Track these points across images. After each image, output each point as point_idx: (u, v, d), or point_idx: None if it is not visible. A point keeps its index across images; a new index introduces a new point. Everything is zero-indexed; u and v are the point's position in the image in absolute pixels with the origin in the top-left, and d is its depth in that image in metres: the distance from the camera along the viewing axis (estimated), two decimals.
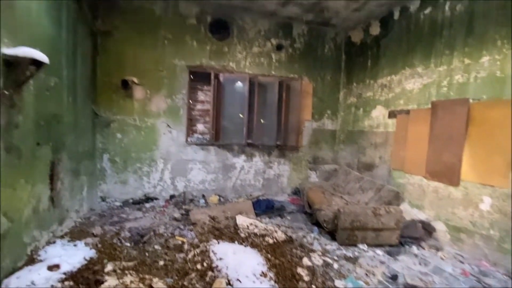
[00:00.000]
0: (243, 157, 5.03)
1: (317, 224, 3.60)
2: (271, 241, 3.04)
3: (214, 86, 4.65)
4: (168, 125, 4.57)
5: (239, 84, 4.86)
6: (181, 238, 2.95)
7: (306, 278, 2.33)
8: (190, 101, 4.73)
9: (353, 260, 2.77)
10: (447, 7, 3.37)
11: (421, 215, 3.62)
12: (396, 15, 4.14)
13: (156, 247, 2.77)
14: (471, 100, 3.04)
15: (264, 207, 4.11)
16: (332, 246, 3.09)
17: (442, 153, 3.34)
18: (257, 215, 3.94)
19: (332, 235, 3.27)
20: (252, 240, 3.00)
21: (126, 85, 4.22)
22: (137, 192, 4.50)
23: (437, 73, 3.47)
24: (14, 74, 2.07)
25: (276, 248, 2.89)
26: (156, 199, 4.47)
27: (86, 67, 3.73)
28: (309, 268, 2.52)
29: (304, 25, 5.09)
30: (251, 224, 3.37)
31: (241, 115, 4.83)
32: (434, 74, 3.51)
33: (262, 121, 4.99)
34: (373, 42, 4.64)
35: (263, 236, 3.11)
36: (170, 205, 4.20)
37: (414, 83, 3.80)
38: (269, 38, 4.98)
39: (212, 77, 4.63)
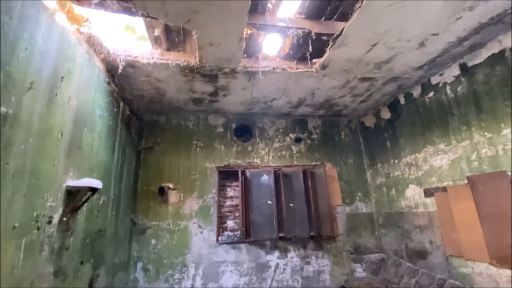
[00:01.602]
0: (276, 253, 4.72)
1: None
2: None
3: (241, 182, 4.89)
4: (199, 226, 4.63)
5: (264, 177, 5.08)
6: None
7: None
8: (220, 198, 4.92)
9: None
10: (448, 90, 3.66)
11: None
12: (402, 101, 4.50)
13: None
14: (509, 173, 2.89)
15: None
16: None
17: (499, 233, 2.94)
18: None
19: None
20: None
21: (162, 192, 4.59)
22: None
23: (462, 148, 3.45)
24: (73, 201, 2.41)
25: None
26: None
27: (130, 180, 4.22)
28: None
29: (318, 118, 5.62)
30: None
31: (269, 203, 4.82)
32: (459, 150, 3.49)
33: (291, 205, 4.90)
34: (387, 124, 4.90)
35: None
36: None
37: (441, 160, 3.75)
38: (288, 133, 5.48)
39: (239, 174, 4.93)
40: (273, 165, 5.21)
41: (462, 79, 3.46)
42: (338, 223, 5.07)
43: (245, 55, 3.44)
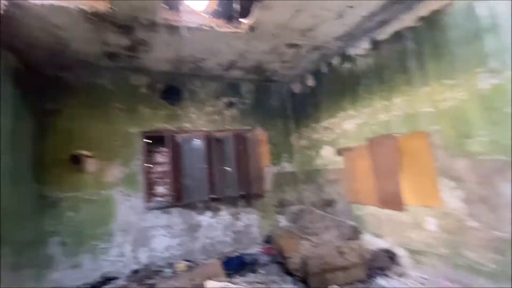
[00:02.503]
0: (208, 213, 4.93)
1: (289, 272, 3.56)
2: None
3: (171, 147, 4.73)
4: (125, 194, 4.40)
5: (196, 142, 5.01)
6: None
7: None
8: (148, 165, 4.70)
9: None
10: (359, 62, 4.10)
11: (383, 244, 3.80)
12: (324, 69, 4.88)
13: None
14: (396, 135, 3.57)
15: (235, 265, 3.96)
16: None
17: (385, 183, 3.72)
18: (228, 275, 3.77)
19: (305, 282, 3.24)
20: None
21: (76, 160, 4.09)
22: (94, 274, 4.03)
23: (365, 114, 4.04)
24: None
25: None
26: (116, 278, 4.04)
27: (29, 148, 3.59)
28: None
29: (250, 83, 5.65)
30: None
31: (201, 170, 4.87)
32: (363, 115, 4.08)
33: (223, 168, 5.07)
34: (311, 91, 5.30)
35: None
36: (132, 282, 3.82)
37: (350, 124, 4.34)
38: (220, 97, 5.39)
39: (167, 139, 4.73)
40: (205, 129, 5.15)
41: (371, 52, 3.91)
42: (266, 182, 5.53)
43: (167, 7, 3.07)
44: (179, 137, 4.87)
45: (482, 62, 2.67)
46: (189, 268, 4.23)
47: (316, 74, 5.10)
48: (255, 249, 4.92)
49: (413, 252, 3.41)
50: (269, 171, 5.60)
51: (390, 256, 3.58)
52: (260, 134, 5.59)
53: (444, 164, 3.02)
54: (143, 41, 3.65)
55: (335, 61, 4.59)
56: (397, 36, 3.51)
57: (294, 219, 5.37)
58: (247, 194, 5.21)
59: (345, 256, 3.13)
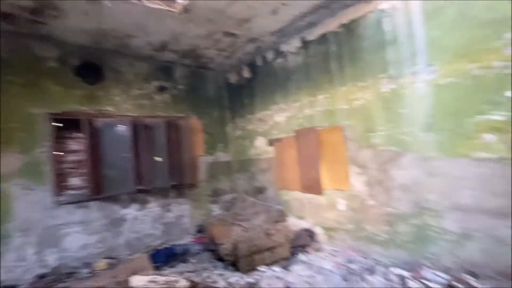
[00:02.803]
0: (135, 206, 4.58)
1: (221, 258, 3.65)
2: None
3: (88, 133, 4.15)
4: (26, 187, 3.68)
5: (120, 127, 4.53)
6: None
7: None
8: (58, 153, 4.02)
9: (254, 284, 2.95)
10: (290, 59, 4.39)
11: (304, 224, 4.27)
12: (259, 62, 5.04)
13: None
14: (318, 128, 4.00)
15: (165, 257, 3.83)
16: (235, 277, 3.19)
17: (308, 171, 4.15)
18: (158, 268, 3.63)
19: (235, 266, 3.39)
20: None
21: None
22: None
23: (294, 108, 4.38)
24: None
25: None
26: (14, 286, 3.39)
27: None
28: None
29: (185, 68, 5.38)
30: (149, 281, 3.06)
31: (127, 159, 4.45)
32: (292, 109, 4.42)
33: (157, 158, 4.76)
34: (247, 83, 5.41)
35: None
36: None
37: (281, 117, 4.64)
38: (150, 80, 4.97)
39: (84, 123, 4.13)
40: (132, 114, 4.69)
41: (301, 50, 4.23)
42: (200, 172, 5.45)
43: None
44: (99, 122, 4.31)
45: (384, 69, 3.21)
46: (111, 266, 3.87)
47: (252, 66, 5.23)
48: (186, 240, 4.84)
49: (327, 229, 3.94)
50: (204, 160, 5.54)
51: (310, 235, 4.06)
52: (194, 122, 5.44)
53: (354, 154, 3.56)
54: (52, 5, 3.05)
55: (270, 55, 4.79)
56: (323, 38, 3.89)
57: (228, 207, 5.48)
58: (179, 185, 5.03)
59: (272, 238, 3.40)
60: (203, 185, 5.47)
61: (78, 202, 4.05)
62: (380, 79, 3.26)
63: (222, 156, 5.86)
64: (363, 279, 2.81)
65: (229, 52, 4.77)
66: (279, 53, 4.61)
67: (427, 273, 2.71)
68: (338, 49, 3.71)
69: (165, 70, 5.16)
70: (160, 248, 4.30)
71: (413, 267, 2.88)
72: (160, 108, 5.06)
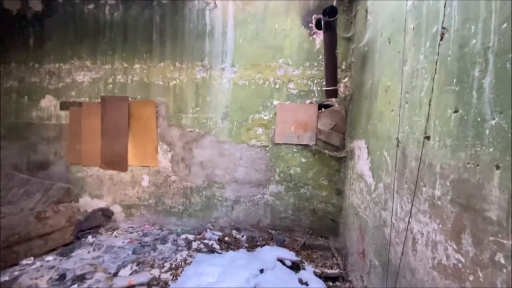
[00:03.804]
0: None
1: None
2: None
3: None
4: None
5: None
6: None
7: None
8: None
9: (9, 283, 2.26)
10: (107, 11, 3.70)
11: (101, 203, 3.83)
12: None
13: None
14: (130, 99, 3.68)
15: None
16: None
17: (113, 145, 3.74)
18: None
19: None
20: None
21: None
22: None
23: (104, 70, 3.75)
24: None
25: None
26: None
27: None
28: None
29: None
30: None
31: None
32: (101, 71, 3.76)
33: None
34: (34, 19, 3.92)
35: None
36: None
37: (84, 76, 3.81)
38: None
39: None
40: None
41: (120, 6, 3.67)
42: None
43: None
44: None
45: (201, 58, 3.51)
46: None
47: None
48: None
49: (127, 207, 3.78)
50: None
51: (106, 214, 3.70)
52: None
53: (163, 131, 3.63)
54: None
55: None
56: (147, 3, 3.59)
57: None
58: None
59: (48, 222, 2.74)
60: None
61: None
62: (196, 65, 3.53)
63: None
64: (154, 249, 2.97)
65: None
66: None
67: (208, 234, 3.33)
68: (161, 21, 3.58)
69: None
70: None
71: (200, 231, 3.43)
72: None
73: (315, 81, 3.27)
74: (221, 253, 2.89)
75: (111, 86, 3.74)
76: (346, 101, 3.17)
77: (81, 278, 2.36)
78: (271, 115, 3.38)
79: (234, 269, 2.50)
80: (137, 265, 2.60)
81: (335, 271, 2.57)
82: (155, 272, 2.48)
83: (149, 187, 3.71)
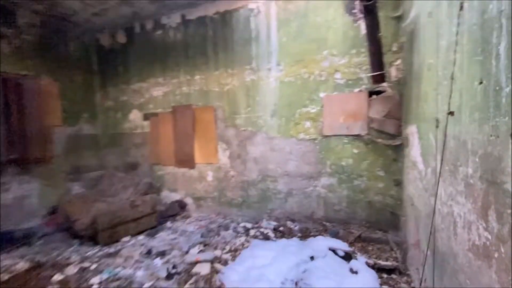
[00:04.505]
0: None
1: (77, 236, 3.40)
2: (6, 277, 2.49)
3: None
4: None
5: None
6: None
7: None
8: None
9: (114, 254, 2.99)
10: (171, 33, 4.38)
11: (177, 196, 4.55)
12: (137, 30, 4.70)
13: None
14: (194, 106, 4.26)
15: None
16: (94, 250, 3.10)
17: (183, 146, 4.39)
18: None
19: (94, 240, 3.26)
20: None
21: None
22: None
23: (172, 84, 4.45)
24: None
25: (15, 281, 2.43)
26: None
27: None
28: (61, 282, 2.41)
29: (35, 14, 4.30)
30: None
31: None
32: (170, 85, 4.47)
33: None
34: (122, 49, 4.93)
35: None
36: None
37: (158, 91, 4.60)
38: None
39: None
40: None
41: (181, 27, 4.29)
42: (55, 145, 4.63)
43: None
44: None
45: (249, 62, 3.81)
46: None
47: (129, 32, 4.80)
48: (33, 223, 4.11)
49: (197, 199, 4.38)
50: (61, 132, 4.73)
51: (181, 205, 4.38)
52: (47, 84, 4.50)
53: (221, 132, 4.07)
54: None
55: (149, 25, 4.56)
56: (202, 21, 4.10)
57: (93, 185, 4.98)
58: (21, 159, 4.13)
59: (138, 209, 3.47)
60: (59, 161, 4.70)
61: None
62: (245, 69, 3.84)
63: (87, 129, 5.18)
64: (218, 234, 3.40)
65: (98, 10, 4.19)
66: (159, 25, 4.47)
67: (264, 223, 3.59)
68: (214, 35, 4.03)
69: (2, 12, 3.95)
70: None
71: (257, 221, 3.73)
72: None
73: (364, 68, 3.15)
74: (275, 241, 3.10)
75: (178, 96, 4.41)
76: (399, 85, 2.96)
77: (162, 253, 2.93)
78: (318, 108, 3.42)
79: (285, 254, 2.68)
80: (204, 246, 3.05)
81: (390, 263, 2.46)
82: (218, 252, 2.87)
83: (213, 181, 4.21)
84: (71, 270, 2.63)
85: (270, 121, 3.71)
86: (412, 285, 2.18)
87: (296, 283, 2.27)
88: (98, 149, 5.35)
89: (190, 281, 2.34)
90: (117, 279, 2.45)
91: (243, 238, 3.21)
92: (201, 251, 2.93)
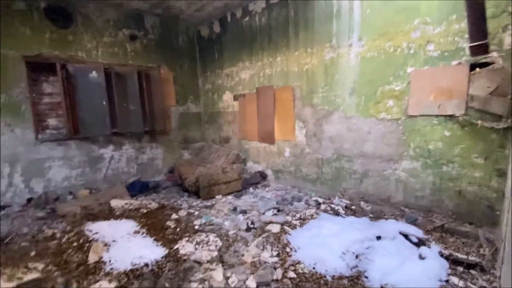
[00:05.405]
0: (111, 146, 5.14)
1: (186, 190, 4.48)
2: (145, 211, 3.67)
3: (61, 77, 4.42)
4: (7, 124, 4.07)
5: (93, 74, 4.80)
6: (51, 230, 3.10)
7: (173, 226, 3.18)
8: (34, 94, 4.32)
9: (210, 207, 3.85)
10: (257, 19, 4.73)
11: (259, 168, 5.17)
12: (229, 19, 5.28)
13: (24, 244, 2.84)
14: (275, 87, 4.60)
15: (139, 188, 4.59)
16: (197, 202, 4.07)
17: (265, 124, 4.87)
18: (132, 196, 4.40)
19: (197, 194, 4.24)
20: (127, 214, 3.53)
21: None
22: None
23: (257, 67, 4.88)
24: None
25: (149, 214, 3.56)
26: (8, 206, 4.03)
27: None
28: (176, 220, 3.38)
29: (155, 17, 5.48)
30: (126, 203, 3.84)
31: (101, 104, 4.84)
32: (256, 68, 4.92)
33: (125, 104, 5.17)
34: (217, 38, 5.68)
35: (137, 209, 3.69)
36: (29, 208, 3.95)
37: (246, 74, 5.14)
38: (120, 28, 5.09)
39: (58, 67, 4.38)
40: (104, 62, 4.93)
41: (265, 11, 4.57)
42: (171, 120, 5.98)
43: None
44: (72, 67, 4.55)
45: (329, 39, 3.77)
46: (93, 194, 4.59)
47: (222, 21, 5.45)
48: (159, 178, 5.61)
49: (275, 171, 4.86)
50: (175, 110, 6.03)
51: (262, 175, 4.98)
52: (165, 73, 5.76)
53: (299, 111, 4.28)
54: None
55: (239, 13, 5.04)
56: (283, 3, 4.24)
57: (197, 153, 6.23)
58: (151, 131, 5.58)
59: (228, 174, 4.24)
60: (175, 133, 6.06)
61: (57, 140, 4.53)
62: (325, 47, 3.83)
63: (193, 108, 6.38)
64: (291, 204, 3.79)
65: (199, 6, 4.95)
66: (247, 12, 4.89)
67: (336, 200, 3.73)
68: (295, 15, 4.13)
69: (135, 19, 5.25)
70: (135, 181, 5.03)
71: (329, 197, 3.90)
72: (132, 57, 5.30)
73: (466, 36, 2.65)
74: (344, 217, 3.24)
75: (262, 78, 4.83)
76: None
77: (244, 211, 3.57)
78: (404, 85, 3.14)
79: (351, 230, 2.81)
80: (278, 211, 3.51)
81: (470, 257, 2.24)
82: (288, 218, 3.27)
83: (290, 157, 4.57)
84: (182, 213, 3.60)
85: (348, 99, 3.65)
86: (494, 284, 1.98)
87: (356, 256, 2.42)
88: (200, 125, 6.54)
89: (263, 235, 2.84)
90: (211, 224, 3.22)
91: (313, 210, 3.49)
92: (274, 214, 3.40)
